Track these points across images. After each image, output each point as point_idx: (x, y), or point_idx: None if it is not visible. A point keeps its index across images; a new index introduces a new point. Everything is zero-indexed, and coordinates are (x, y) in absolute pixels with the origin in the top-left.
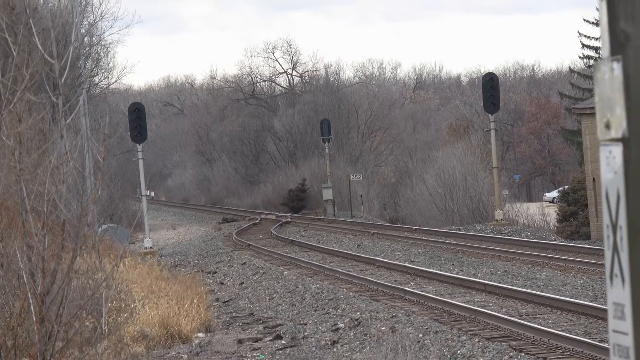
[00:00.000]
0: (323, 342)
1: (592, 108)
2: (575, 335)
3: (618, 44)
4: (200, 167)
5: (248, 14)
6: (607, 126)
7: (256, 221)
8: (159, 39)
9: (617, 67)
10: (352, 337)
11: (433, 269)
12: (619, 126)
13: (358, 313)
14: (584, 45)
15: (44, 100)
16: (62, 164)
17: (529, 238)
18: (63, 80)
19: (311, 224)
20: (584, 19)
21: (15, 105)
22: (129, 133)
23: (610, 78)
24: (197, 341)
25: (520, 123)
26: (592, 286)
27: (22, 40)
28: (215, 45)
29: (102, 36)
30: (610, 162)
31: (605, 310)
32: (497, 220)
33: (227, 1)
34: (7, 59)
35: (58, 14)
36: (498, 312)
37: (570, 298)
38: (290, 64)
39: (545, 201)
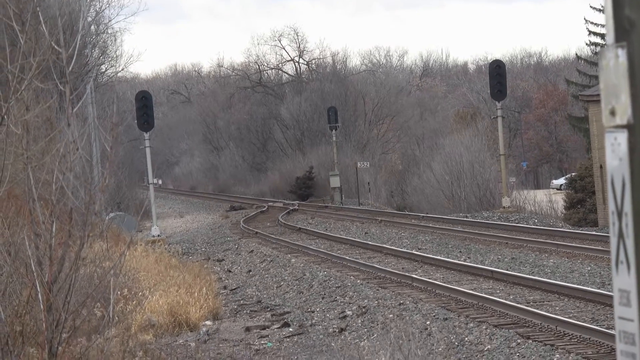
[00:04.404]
0: (330, 330)
1: (599, 95)
2: (583, 322)
3: (623, 30)
4: (208, 155)
5: (247, 3)
6: (612, 113)
7: (263, 209)
8: (164, 27)
9: (621, 53)
10: (360, 324)
11: (440, 256)
12: (624, 113)
13: (365, 300)
14: (590, 32)
15: (51, 89)
16: (69, 152)
17: (536, 225)
18: (70, 68)
19: (318, 211)
20: (591, 6)
21: (22, 94)
22: (135, 121)
23: (615, 65)
24: (204, 329)
25: (528, 110)
26: (600, 273)
27: (29, 28)
28: (219, 34)
29: (108, 24)
30: (615, 149)
31: (612, 297)
32: (504, 207)
33: None
34: (15, 47)
35: (65, 2)
36: (505, 299)
37: (577, 285)
38: (297, 51)
39: (553, 188)
